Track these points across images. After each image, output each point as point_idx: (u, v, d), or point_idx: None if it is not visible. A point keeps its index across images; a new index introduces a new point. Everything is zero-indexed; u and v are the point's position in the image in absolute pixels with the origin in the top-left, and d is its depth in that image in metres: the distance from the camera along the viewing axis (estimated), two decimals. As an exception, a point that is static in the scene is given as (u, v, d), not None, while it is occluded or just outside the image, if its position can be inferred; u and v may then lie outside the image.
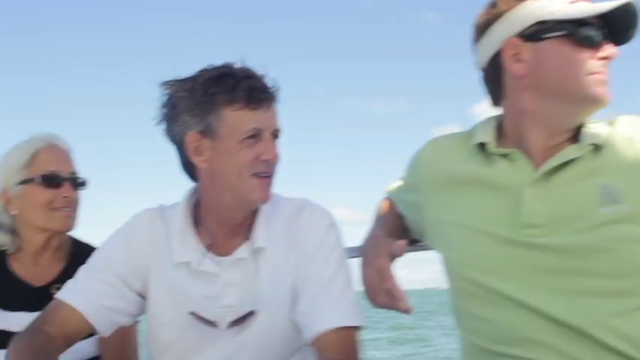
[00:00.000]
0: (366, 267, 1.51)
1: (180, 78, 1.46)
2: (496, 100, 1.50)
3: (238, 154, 1.41)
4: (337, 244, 1.54)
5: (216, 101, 1.40)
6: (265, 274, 1.50)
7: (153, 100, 1.49)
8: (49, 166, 1.87)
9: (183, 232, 1.50)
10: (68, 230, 1.92)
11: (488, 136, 1.48)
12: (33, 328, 1.48)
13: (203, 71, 1.45)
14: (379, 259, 1.48)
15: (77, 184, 1.93)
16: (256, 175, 1.43)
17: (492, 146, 1.46)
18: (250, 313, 1.49)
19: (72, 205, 1.90)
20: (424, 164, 1.58)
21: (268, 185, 1.46)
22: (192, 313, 1.49)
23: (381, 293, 1.45)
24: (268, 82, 1.45)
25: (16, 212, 1.89)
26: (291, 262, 1.50)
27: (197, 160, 1.45)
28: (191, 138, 1.43)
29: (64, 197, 1.87)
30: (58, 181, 1.87)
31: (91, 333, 1.83)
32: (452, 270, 1.49)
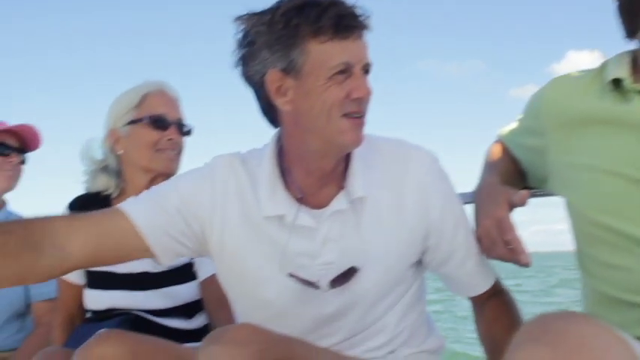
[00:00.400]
0: (482, 217, 1.38)
1: (257, 11, 1.31)
2: (632, 31, 1.35)
3: (326, 92, 1.26)
4: (455, 192, 1.44)
5: (299, 33, 1.25)
6: (368, 227, 1.37)
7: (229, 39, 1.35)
8: (157, 109, 1.90)
9: (272, 184, 1.37)
10: (171, 173, 1.92)
11: (623, 72, 1.33)
12: (85, 219, 1.37)
13: (282, 2, 1.29)
14: (498, 209, 1.35)
15: (183, 130, 1.95)
16: (347, 115, 1.28)
17: (629, 82, 1.32)
18: (352, 270, 1.37)
19: (176, 149, 1.92)
20: (549, 105, 1.44)
21: (360, 126, 1.31)
22: (292, 275, 1.37)
23: (500, 245, 1.33)
24: (358, 9, 1.28)
25: (122, 152, 1.92)
26: (407, 217, 1.38)
27: (280, 102, 1.30)
28: (272, 77, 1.28)
29: (169, 140, 1.90)
30: (165, 123, 1.90)
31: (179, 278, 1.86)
32: (580, 215, 1.36)
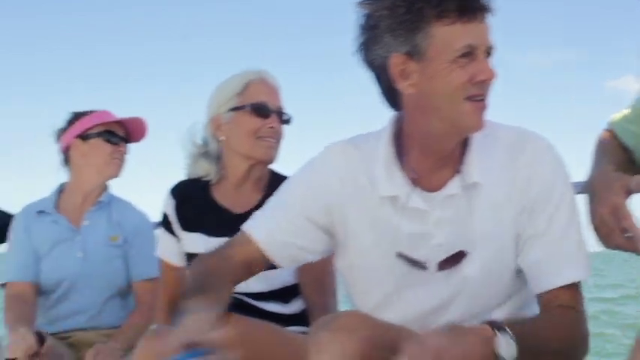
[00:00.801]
0: (597, 205, 1.34)
1: None
2: None
3: (450, 75, 1.26)
4: (568, 184, 1.39)
5: (423, 17, 1.25)
6: (480, 213, 1.36)
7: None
8: (259, 97, 1.93)
9: (388, 165, 1.39)
10: (270, 161, 1.96)
11: None
12: (216, 251, 1.50)
13: None
14: (614, 196, 1.31)
15: (283, 118, 1.97)
16: (470, 98, 1.28)
17: None
18: (461, 254, 1.37)
19: (276, 137, 1.95)
20: None
21: (483, 110, 1.31)
22: (400, 254, 1.39)
23: (617, 233, 1.30)
24: None
25: (223, 138, 1.96)
26: (514, 201, 1.35)
27: (402, 86, 1.31)
28: (395, 61, 1.29)
29: (270, 127, 1.92)
30: (266, 111, 1.92)
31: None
32: None
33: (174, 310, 1.97)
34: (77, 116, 2.36)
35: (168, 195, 2.02)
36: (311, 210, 1.44)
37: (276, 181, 1.98)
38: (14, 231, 2.36)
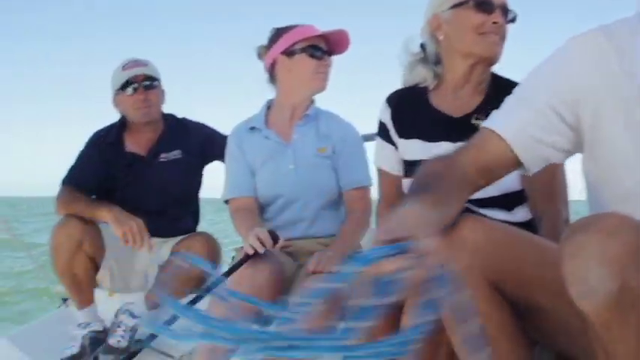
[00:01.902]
0: None
1: None
2: None
3: None
4: None
5: None
6: None
7: None
8: None
9: None
10: (492, 58, 1.87)
11: None
12: (447, 155, 1.39)
13: None
14: None
15: (508, 16, 1.87)
16: None
17: None
18: None
19: (500, 34, 1.85)
20: None
21: None
22: None
23: None
24: None
25: (442, 38, 1.90)
26: None
27: None
28: None
29: (494, 23, 1.83)
30: (490, 6, 1.83)
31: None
32: None
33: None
34: (279, 32, 2.37)
35: (384, 103, 2.01)
36: (557, 102, 1.30)
37: (499, 83, 1.91)
38: (229, 150, 2.45)
